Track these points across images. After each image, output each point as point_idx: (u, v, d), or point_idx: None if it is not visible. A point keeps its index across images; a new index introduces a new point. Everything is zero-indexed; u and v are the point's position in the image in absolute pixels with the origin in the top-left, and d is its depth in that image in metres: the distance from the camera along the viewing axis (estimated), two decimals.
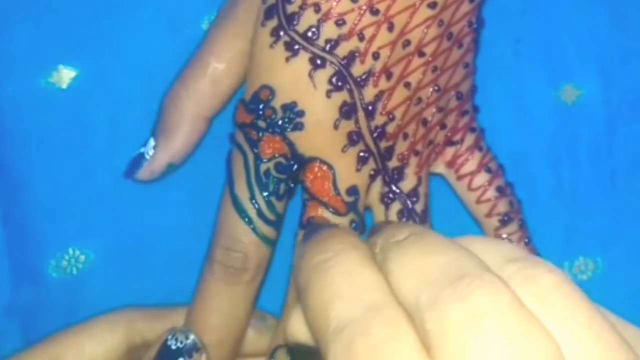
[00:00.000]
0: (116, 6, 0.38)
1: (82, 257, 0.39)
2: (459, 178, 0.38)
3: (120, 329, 0.34)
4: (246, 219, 0.34)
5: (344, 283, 0.22)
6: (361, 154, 0.35)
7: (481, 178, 0.38)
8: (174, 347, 0.33)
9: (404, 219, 0.36)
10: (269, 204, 0.35)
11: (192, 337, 0.33)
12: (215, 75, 0.36)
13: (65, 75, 0.38)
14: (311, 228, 0.27)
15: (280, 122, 0.34)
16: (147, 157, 0.37)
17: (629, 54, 0.41)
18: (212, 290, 0.35)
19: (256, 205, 0.34)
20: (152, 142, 0.37)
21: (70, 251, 0.39)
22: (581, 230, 0.41)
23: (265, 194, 0.35)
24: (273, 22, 0.34)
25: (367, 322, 0.20)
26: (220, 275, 0.34)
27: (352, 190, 0.35)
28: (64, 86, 0.38)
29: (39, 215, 0.38)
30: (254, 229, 0.34)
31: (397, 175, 0.36)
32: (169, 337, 0.33)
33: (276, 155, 0.35)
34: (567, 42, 0.41)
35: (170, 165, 0.37)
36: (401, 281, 0.21)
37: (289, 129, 0.34)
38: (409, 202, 0.36)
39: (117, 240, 0.39)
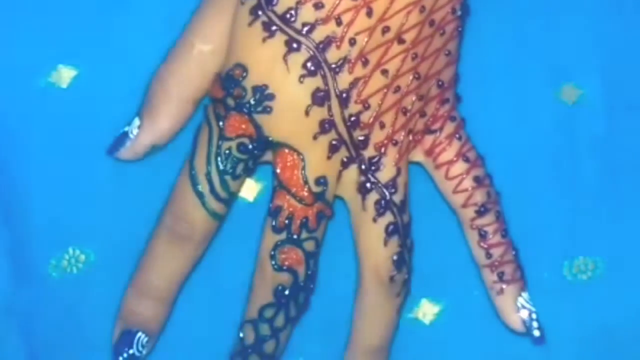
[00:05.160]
0: (116, 6, 0.38)
1: (82, 257, 0.39)
2: (437, 167, 0.38)
3: None
4: (198, 193, 0.35)
5: None
6: (333, 142, 0.35)
7: (459, 167, 0.38)
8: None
9: (381, 210, 0.36)
10: (222, 182, 0.35)
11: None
12: (201, 57, 0.36)
13: (65, 75, 0.38)
14: None
15: (248, 103, 0.34)
16: (131, 136, 0.37)
17: (629, 54, 0.41)
18: (157, 251, 0.36)
19: (210, 182, 0.35)
20: (137, 122, 0.37)
21: (70, 251, 0.39)
22: (581, 230, 0.41)
23: (221, 171, 0.35)
24: (252, 1, 0.34)
25: None
26: (166, 239, 0.36)
27: (321, 181, 0.35)
28: (64, 86, 0.38)
29: (39, 215, 0.38)
30: (204, 204, 0.35)
31: (374, 164, 0.36)
32: None
33: (240, 134, 0.35)
34: (567, 42, 0.41)
35: (154, 146, 0.37)
36: None
37: (256, 111, 0.34)
38: (386, 193, 0.36)
39: (117, 240, 0.39)
